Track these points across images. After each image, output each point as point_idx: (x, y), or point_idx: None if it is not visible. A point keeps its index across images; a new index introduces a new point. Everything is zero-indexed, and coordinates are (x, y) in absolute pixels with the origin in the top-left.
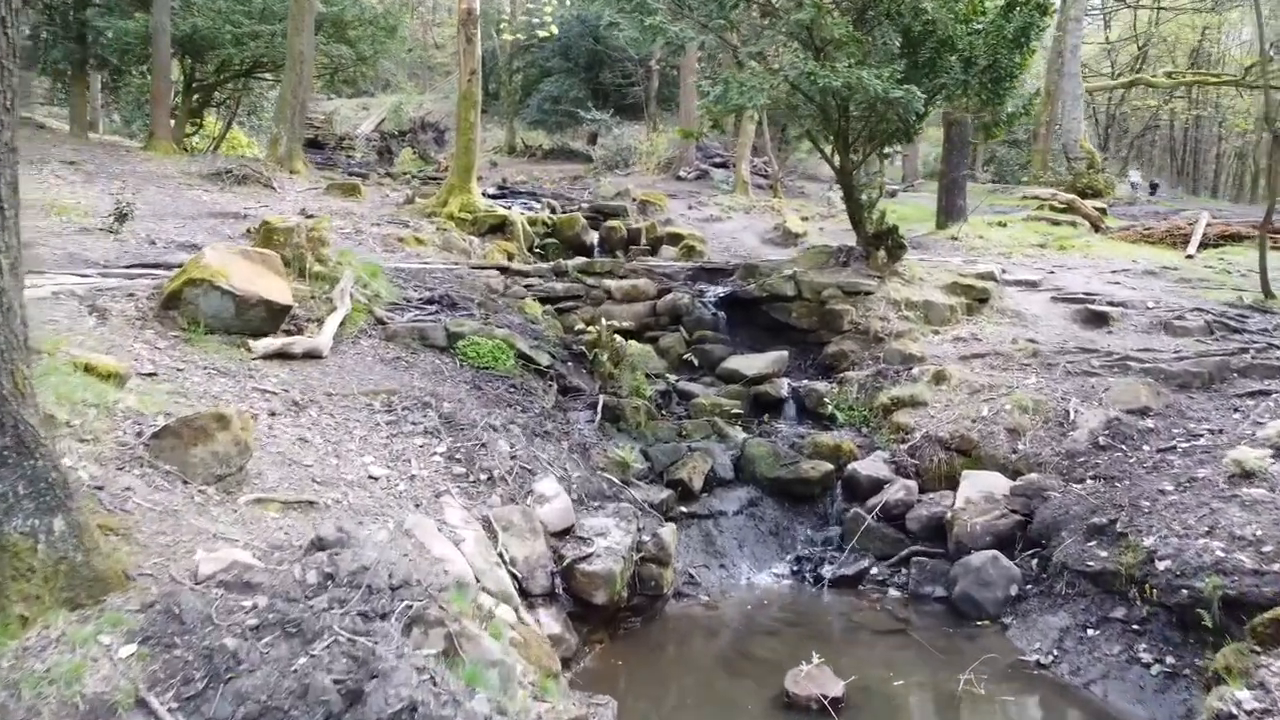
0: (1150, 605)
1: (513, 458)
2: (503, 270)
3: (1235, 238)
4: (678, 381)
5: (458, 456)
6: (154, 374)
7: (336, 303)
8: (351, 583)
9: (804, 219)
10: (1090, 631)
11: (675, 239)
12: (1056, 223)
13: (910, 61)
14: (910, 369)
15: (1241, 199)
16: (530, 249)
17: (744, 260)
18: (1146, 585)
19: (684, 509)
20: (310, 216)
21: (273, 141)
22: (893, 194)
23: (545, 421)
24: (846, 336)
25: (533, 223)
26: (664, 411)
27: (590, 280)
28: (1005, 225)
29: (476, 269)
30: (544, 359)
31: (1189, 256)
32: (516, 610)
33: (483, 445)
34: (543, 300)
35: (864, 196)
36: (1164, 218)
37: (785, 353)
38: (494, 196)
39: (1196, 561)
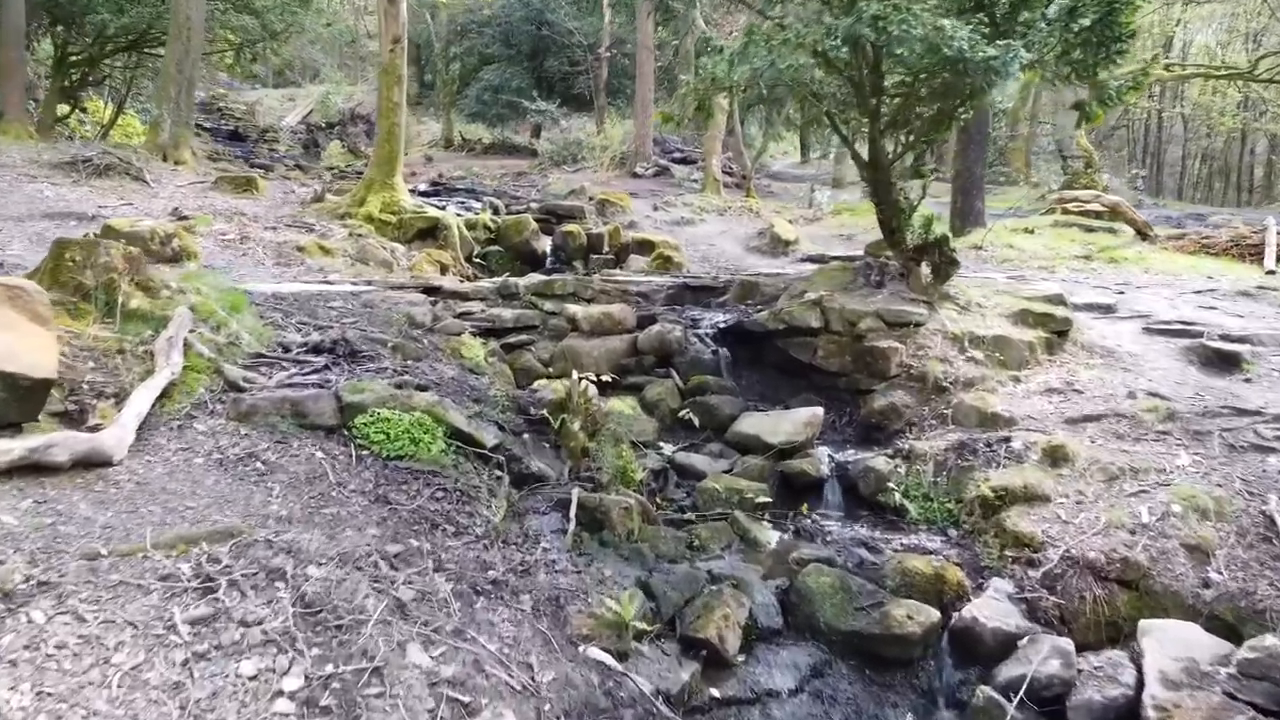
0: None
1: (433, 685)
2: (431, 291)
3: None
4: (676, 452)
5: (324, 703)
6: None
7: (159, 359)
8: None
9: (789, 222)
10: None
11: (645, 247)
12: (1091, 229)
13: (987, 13)
14: (1007, 440)
15: (1211, 201)
16: (469, 259)
17: (733, 274)
18: None
19: (715, 692)
20: (184, 219)
21: (152, 126)
22: None
23: (492, 555)
24: (896, 385)
25: (471, 226)
26: (660, 500)
27: (548, 305)
28: (1033, 232)
29: (396, 289)
30: (488, 436)
31: (1270, 272)
32: None
33: (376, 670)
34: (486, 333)
35: (903, 199)
36: (1178, 223)
37: (820, 410)
38: (425, 194)
39: None
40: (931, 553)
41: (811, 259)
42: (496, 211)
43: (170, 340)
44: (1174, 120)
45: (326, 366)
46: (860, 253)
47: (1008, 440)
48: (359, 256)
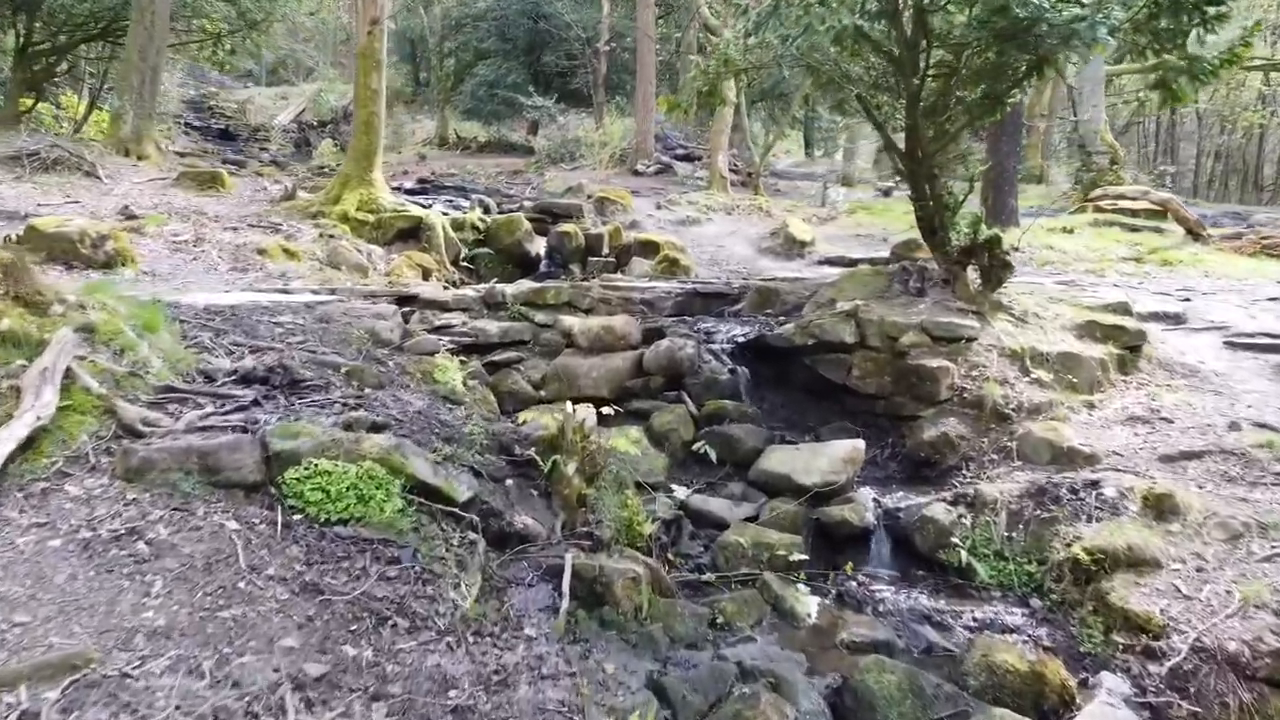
0: None
1: None
2: (406, 301)
3: None
4: (691, 495)
5: None
6: None
7: (25, 399)
8: None
9: (804, 222)
10: None
11: (649, 248)
12: (1135, 228)
13: None
14: (1095, 484)
15: (1227, 199)
16: (455, 262)
17: (747, 279)
18: None
19: None
20: (132, 218)
21: (114, 118)
22: (886, 192)
23: (457, 662)
24: (947, 411)
25: (459, 227)
26: (674, 557)
27: (540, 316)
28: (1071, 231)
29: (366, 299)
30: (461, 488)
31: None
32: None
33: None
34: (468, 350)
35: (947, 194)
36: (1215, 222)
37: (861, 444)
38: (412, 192)
39: None
40: (1014, 630)
41: (831, 261)
42: (487, 210)
43: (45, 372)
44: (1185, 118)
45: (257, 401)
46: (887, 254)
47: (1096, 485)
48: (329, 260)
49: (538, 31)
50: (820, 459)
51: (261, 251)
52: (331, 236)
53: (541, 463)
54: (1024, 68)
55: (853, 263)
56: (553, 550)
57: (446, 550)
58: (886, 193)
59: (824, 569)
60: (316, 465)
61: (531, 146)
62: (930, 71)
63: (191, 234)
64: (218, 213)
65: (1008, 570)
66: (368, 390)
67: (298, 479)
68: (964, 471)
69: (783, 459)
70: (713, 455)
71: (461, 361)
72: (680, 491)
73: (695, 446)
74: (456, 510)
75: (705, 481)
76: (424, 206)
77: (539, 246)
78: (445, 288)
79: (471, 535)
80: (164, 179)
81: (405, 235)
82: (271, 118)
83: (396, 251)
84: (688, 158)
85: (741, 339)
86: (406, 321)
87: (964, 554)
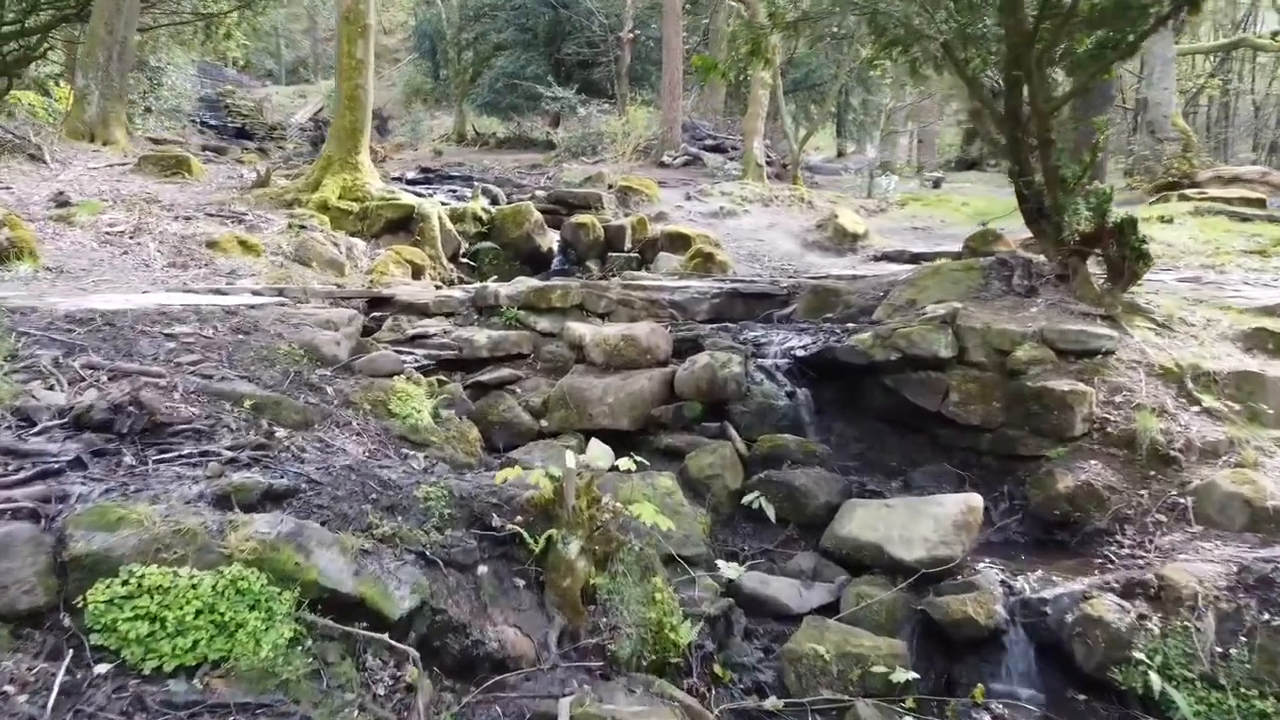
0: None
1: None
2: (377, 304)
3: None
4: (743, 574)
5: None
6: None
7: None
8: None
9: (856, 213)
10: None
11: (678, 242)
12: (1246, 217)
13: None
14: None
15: None
16: (454, 258)
17: (796, 276)
18: None
19: None
20: (64, 205)
21: (77, 100)
22: (936, 183)
23: None
24: (1084, 450)
25: (459, 218)
26: (722, 671)
27: (544, 323)
28: (1170, 221)
29: (330, 301)
30: (398, 593)
31: None
32: None
33: None
34: (448, 367)
35: (1066, 167)
36: None
37: (978, 501)
38: (413, 182)
39: None
40: None
41: (888, 257)
42: (494, 201)
43: None
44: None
45: (79, 461)
46: (956, 249)
47: None
48: (297, 255)
49: (558, 20)
50: (922, 522)
51: (212, 245)
52: (303, 228)
53: (531, 539)
54: (1167, 2)
55: (915, 258)
56: (544, 680)
57: (365, 708)
58: (936, 183)
59: (939, 692)
60: (144, 576)
61: (552, 142)
62: (1036, 13)
63: (133, 223)
64: (174, 201)
65: (1225, 706)
66: (280, 434)
67: (110, 601)
68: (1119, 538)
69: (869, 521)
70: (770, 512)
71: (439, 382)
72: (729, 568)
73: (747, 500)
74: (387, 640)
75: (760, 548)
76: (425, 194)
77: (551, 241)
78: (437, 288)
79: (410, 674)
80: (125, 164)
81: (395, 227)
82: (288, 116)
83: (383, 246)
84: (717, 148)
85: (801, 352)
86: (372, 331)
87: (1153, 676)
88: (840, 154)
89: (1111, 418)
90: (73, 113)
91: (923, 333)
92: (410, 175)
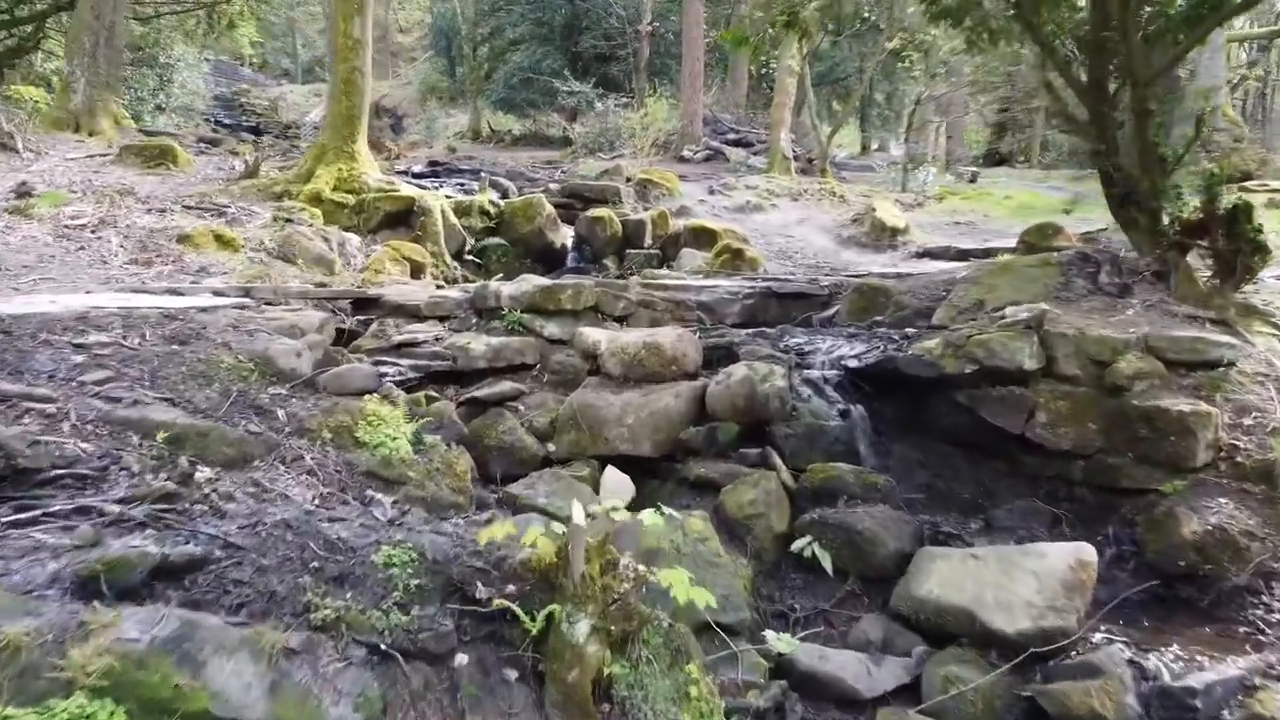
0: None
1: None
2: (362, 306)
3: None
4: (796, 647)
5: None
6: None
7: None
8: None
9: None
10: None
11: (703, 237)
12: None
13: None
14: None
15: None
16: (459, 255)
17: (834, 273)
18: None
19: None
20: (25, 195)
21: (62, 87)
22: (972, 179)
23: None
24: (1208, 484)
25: (464, 212)
26: None
27: (551, 328)
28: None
29: (304, 301)
30: (342, 709)
31: None
32: None
33: None
34: (439, 380)
35: (1165, 145)
36: None
37: (1090, 554)
38: (420, 176)
39: None
40: None
41: (932, 254)
42: (504, 195)
43: None
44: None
45: None
46: (1008, 244)
47: None
48: (281, 251)
49: (575, 14)
50: (1020, 580)
51: (184, 239)
52: (289, 221)
53: (526, 616)
54: None
55: (962, 255)
56: None
57: None
58: (973, 178)
59: None
60: None
61: (569, 138)
62: None
63: (98, 216)
64: (152, 193)
65: None
66: (202, 476)
67: None
68: (1265, 599)
69: (953, 577)
70: (826, 562)
71: (426, 399)
72: (779, 640)
73: (796, 546)
74: None
75: (814, 608)
76: (432, 188)
77: (565, 236)
78: (439, 287)
79: None
80: (105, 155)
81: (394, 221)
82: (303, 115)
83: (379, 242)
84: (740, 143)
85: (853, 362)
86: (354, 336)
87: None
88: (864, 149)
89: (1241, 445)
90: (57, 101)
91: (1004, 340)
92: (417, 169)
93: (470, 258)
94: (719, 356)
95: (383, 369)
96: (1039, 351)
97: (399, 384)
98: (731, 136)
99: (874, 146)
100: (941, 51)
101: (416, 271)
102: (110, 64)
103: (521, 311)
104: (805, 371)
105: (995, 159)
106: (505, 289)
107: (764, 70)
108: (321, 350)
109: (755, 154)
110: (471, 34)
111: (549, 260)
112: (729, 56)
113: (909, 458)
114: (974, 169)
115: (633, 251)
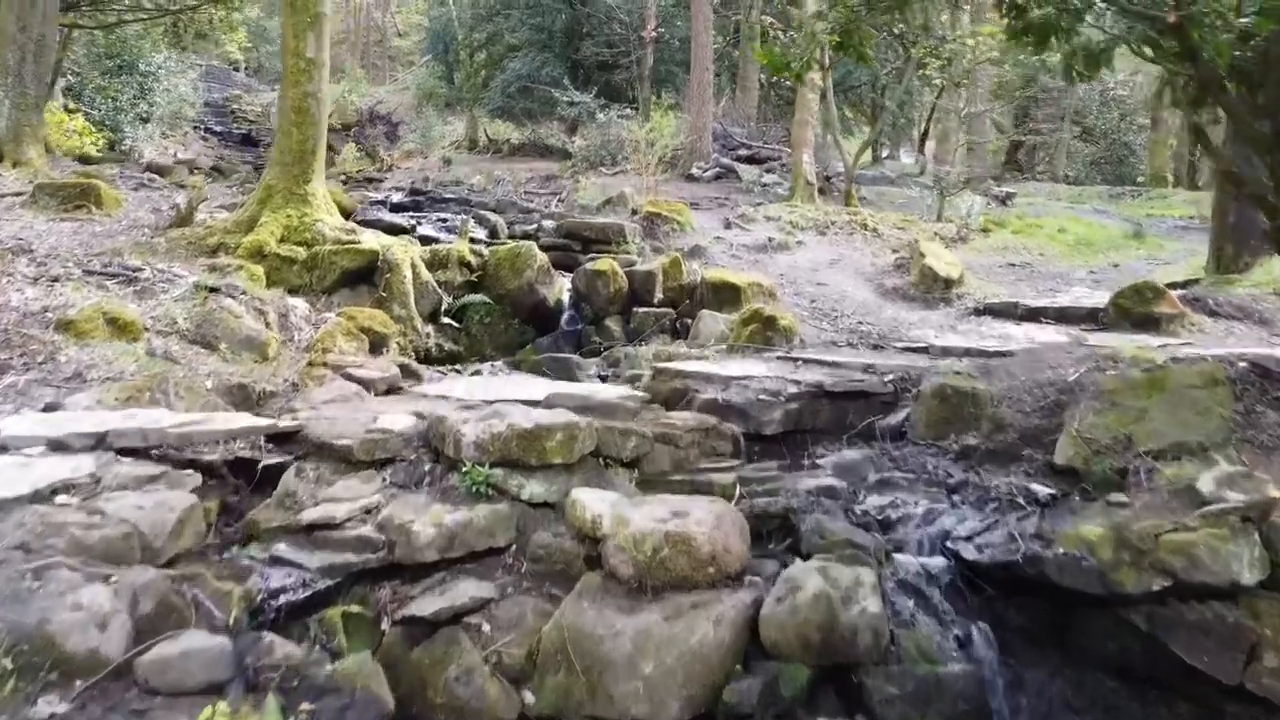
0: None
1: None
2: (279, 441)
3: None
4: None
5: None
6: None
7: None
8: None
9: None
10: None
11: (725, 294)
12: None
13: None
14: None
15: None
16: (433, 317)
17: (880, 344)
18: None
19: None
20: None
21: None
22: (1005, 200)
23: None
24: None
25: (440, 263)
26: None
27: (532, 486)
28: None
29: (199, 448)
30: None
31: None
32: None
33: None
34: (368, 580)
35: None
36: None
37: None
38: (398, 208)
39: None
40: None
41: (994, 311)
42: (494, 234)
43: None
44: None
45: None
46: (1074, 299)
47: None
48: (197, 334)
49: (576, 19)
50: None
51: (65, 327)
52: (212, 291)
53: None
54: None
55: (1032, 314)
56: None
57: None
58: (1005, 199)
59: None
60: None
61: (568, 149)
62: None
63: None
64: (55, 248)
65: None
66: None
67: None
68: None
69: None
70: None
71: (344, 619)
72: None
73: None
74: None
75: None
76: (405, 229)
77: (560, 290)
78: (402, 368)
79: None
80: (18, 195)
81: (354, 278)
82: None
83: (340, 303)
84: (752, 159)
85: (970, 551)
86: (245, 511)
87: None
88: (875, 158)
89: None
90: None
91: (1213, 544)
92: (395, 199)
93: (447, 321)
94: (770, 529)
95: (273, 581)
96: (1262, 557)
97: (301, 604)
98: (743, 152)
99: (884, 154)
100: (965, 60)
101: (376, 346)
102: (39, 82)
103: (491, 466)
104: (898, 560)
105: (1014, 168)
106: (467, 432)
107: (775, 79)
108: (153, 600)
109: (769, 171)
110: (468, 39)
111: (541, 321)
112: (738, 63)
113: (1046, 690)
114: (1007, 189)
115: (640, 310)
